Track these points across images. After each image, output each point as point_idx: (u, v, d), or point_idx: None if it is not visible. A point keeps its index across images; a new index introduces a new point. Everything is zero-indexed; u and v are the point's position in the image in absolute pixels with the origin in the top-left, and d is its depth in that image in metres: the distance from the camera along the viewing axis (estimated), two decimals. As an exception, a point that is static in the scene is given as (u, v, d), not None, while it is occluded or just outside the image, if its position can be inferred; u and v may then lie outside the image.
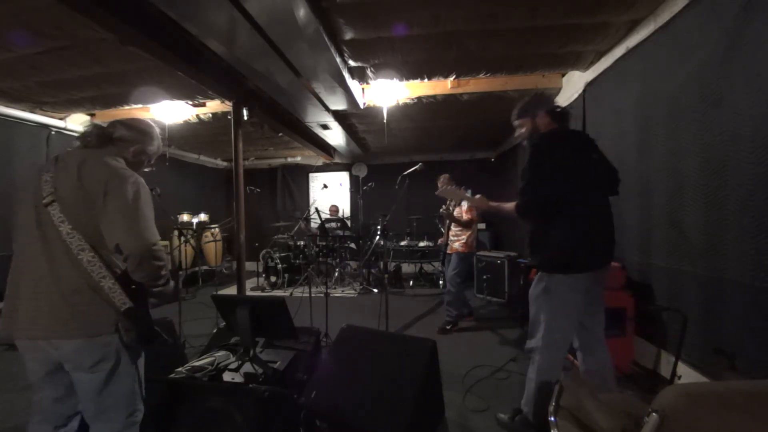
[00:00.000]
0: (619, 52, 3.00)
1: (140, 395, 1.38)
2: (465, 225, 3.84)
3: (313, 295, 3.75)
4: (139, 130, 1.46)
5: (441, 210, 3.88)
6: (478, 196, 2.27)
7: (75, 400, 1.32)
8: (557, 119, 1.93)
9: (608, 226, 1.91)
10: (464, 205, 3.89)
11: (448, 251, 3.97)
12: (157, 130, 1.54)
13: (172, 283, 1.42)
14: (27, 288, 1.24)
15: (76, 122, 4.71)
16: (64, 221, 1.22)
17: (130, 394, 1.33)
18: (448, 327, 3.77)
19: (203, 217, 6.38)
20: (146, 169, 1.54)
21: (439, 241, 4.27)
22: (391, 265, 6.17)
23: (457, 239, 3.90)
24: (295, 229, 6.21)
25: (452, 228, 3.94)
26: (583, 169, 1.84)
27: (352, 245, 6.40)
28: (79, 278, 1.22)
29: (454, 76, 3.62)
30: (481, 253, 4.91)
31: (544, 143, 1.87)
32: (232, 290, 5.32)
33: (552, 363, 1.87)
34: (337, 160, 7.68)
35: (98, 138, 1.38)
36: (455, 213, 3.91)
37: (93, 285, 1.22)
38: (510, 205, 1.95)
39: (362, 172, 7.85)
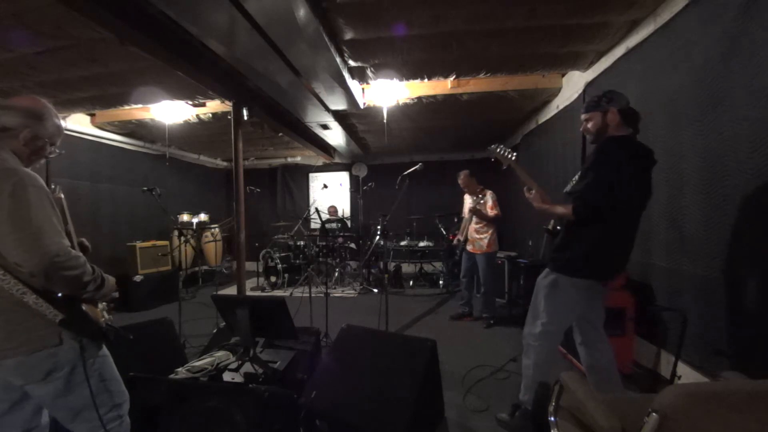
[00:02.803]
0: (619, 52, 3.00)
1: (116, 390, 1.33)
2: (491, 221, 3.82)
3: (313, 295, 3.75)
4: (24, 111, 1.20)
5: (470, 206, 3.88)
6: (534, 191, 2.11)
7: (24, 414, 1.27)
8: (629, 121, 1.84)
9: (632, 241, 1.93)
10: (489, 200, 3.88)
11: (471, 250, 3.97)
12: (49, 106, 1.27)
13: (111, 280, 1.31)
14: None
15: (76, 122, 4.72)
16: None
17: (99, 393, 1.26)
18: (490, 322, 3.91)
19: (203, 217, 6.38)
20: (52, 155, 1.32)
21: (455, 241, 4.23)
22: (391, 265, 6.17)
23: (480, 238, 3.88)
24: (295, 229, 6.21)
25: (474, 224, 3.91)
26: (638, 184, 1.78)
27: (352, 245, 6.40)
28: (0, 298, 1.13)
29: (454, 76, 3.62)
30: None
31: (615, 148, 1.79)
32: (232, 290, 5.32)
33: (548, 352, 1.93)
34: (337, 160, 7.68)
35: None
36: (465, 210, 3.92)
37: (17, 302, 1.12)
38: (565, 208, 1.88)
39: (362, 172, 7.85)
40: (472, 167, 4.16)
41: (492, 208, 3.82)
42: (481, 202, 3.86)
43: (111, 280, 1.31)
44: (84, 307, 1.25)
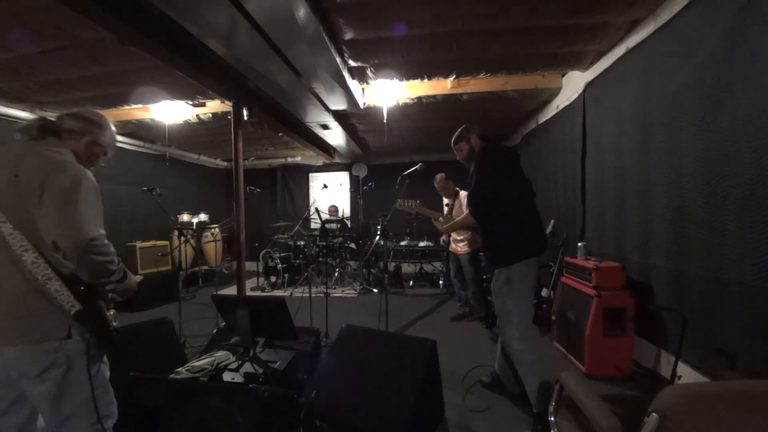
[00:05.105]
0: (619, 52, 3.00)
1: (107, 401, 1.31)
2: (468, 226, 3.83)
3: (313, 295, 3.75)
4: (89, 120, 1.38)
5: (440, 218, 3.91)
6: (441, 218, 2.59)
7: (21, 417, 1.26)
8: (486, 140, 2.33)
9: (540, 221, 2.22)
10: (463, 202, 3.90)
11: (454, 251, 3.99)
12: (109, 121, 1.45)
13: (133, 278, 1.35)
14: None
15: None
16: (5, 222, 1.16)
17: (88, 402, 1.24)
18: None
19: (203, 217, 6.38)
20: (102, 164, 1.46)
21: (442, 240, 4.27)
22: (391, 265, 6.16)
23: (461, 239, 3.89)
24: (295, 229, 6.21)
25: None
26: (514, 175, 2.18)
27: (352, 245, 6.40)
28: (22, 281, 1.16)
29: (454, 76, 3.62)
30: (482, 252, 4.93)
31: (484, 156, 2.20)
32: (232, 290, 5.32)
33: (535, 347, 2.04)
34: (337, 160, 7.68)
35: (41, 130, 1.29)
36: (454, 212, 3.92)
37: (38, 288, 1.15)
38: (462, 216, 2.31)
39: (362, 172, 7.85)
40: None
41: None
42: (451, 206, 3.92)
43: (133, 278, 1.36)
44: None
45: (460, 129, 2.41)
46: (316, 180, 8.11)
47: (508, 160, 2.24)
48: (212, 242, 6.40)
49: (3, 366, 1.20)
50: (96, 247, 1.17)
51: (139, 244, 5.06)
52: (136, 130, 5.31)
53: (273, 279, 5.89)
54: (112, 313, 1.35)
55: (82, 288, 1.20)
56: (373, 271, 6.19)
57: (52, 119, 1.34)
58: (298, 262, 6.03)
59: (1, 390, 1.24)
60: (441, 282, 5.85)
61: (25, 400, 1.26)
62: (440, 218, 2.57)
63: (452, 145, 2.44)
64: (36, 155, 1.21)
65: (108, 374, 1.36)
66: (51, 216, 1.14)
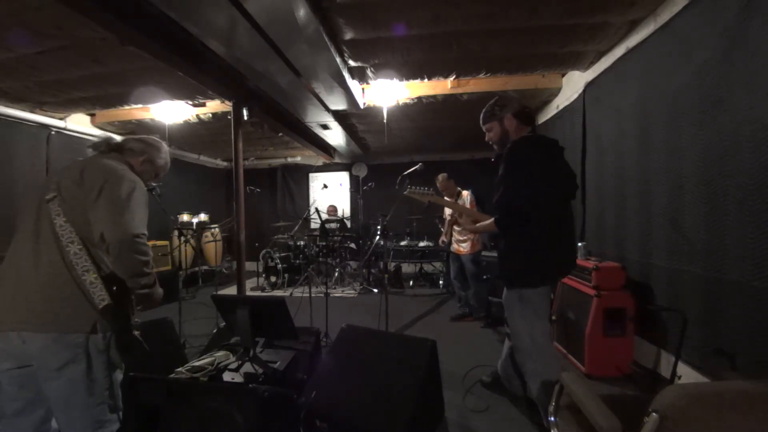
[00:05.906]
0: (619, 52, 3.00)
1: (112, 407, 1.32)
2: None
3: (313, 295, 3.75)
4: (149, 143, 1.61)
5: (447, 214, 3.88)
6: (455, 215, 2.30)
7: (36, 417, 1.28)
8: (526, 121, 1.91)
9: (573, 233, 1.98)
10: (467, 202, 3.90)
11: (456, 251, 3.98)
12: (166, 147, 1.67)
13: (160, 290, 1.41)
14: (9, 279, 1.26)
15: (76, 122, 4.72)
16: (59, 214, 1.27)
17: (97, 405, 1.27)
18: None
19: (203, 217, 6.38)
20: (153, 184, 1.64)
21: (441, 241, 4.28)
22: (391, 265, 6.16)
23: (464, 239, 3.89)
24: (295, 229, 6.21)
25: (456, 226, 3.92)
26: (554, 177, 1.83)
27: (352, 245, 6.40)
28: (63, 269, 1.24)
29: (454, 76, 3.62)
30: (483, 253, 4.93)
31: (520, 151, 1.82)
32: (232, 290, 5.32)
33: (548, 366, 1.88)
34: (337, 160, 7.68)
35: (107, 145, 1.51)
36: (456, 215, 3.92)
37: (75, 278, 1.23)
38: (488, 222, 1.95)
39: (362, 172, 7.84)
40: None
41: (471, 207, 3.83)
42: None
43: (160, 289, 1.41)
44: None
45: (491, 103, 1.96)
46: (316, 180, 8.11)
47: (549, 157, 1.85)
48: (212, 242, 6.40)
49: (24, 358, 1.23)
50: (138, 245, 1.29)
51: (139, 244, 5.05)
52: (136, 130, 5.31)
53: (273, 279, 5.88)
54: (137, 320, 1.39)
55: (115, 288, 1.29)
56: (373, 271, 6.19)
57: (119, 139, 1.57)
58: (298, 262, 6.03)
59: (19, 390, 1.26)
60: (441, 282, 5.85)
61: (41, 402, 1.28)
62: (456, 214, 2.26)
63: (481, 123, 2.02)
64: (100, 164, 1.38)
65: (120, 378, 1.39)
66: (104, 211, 1.27)
